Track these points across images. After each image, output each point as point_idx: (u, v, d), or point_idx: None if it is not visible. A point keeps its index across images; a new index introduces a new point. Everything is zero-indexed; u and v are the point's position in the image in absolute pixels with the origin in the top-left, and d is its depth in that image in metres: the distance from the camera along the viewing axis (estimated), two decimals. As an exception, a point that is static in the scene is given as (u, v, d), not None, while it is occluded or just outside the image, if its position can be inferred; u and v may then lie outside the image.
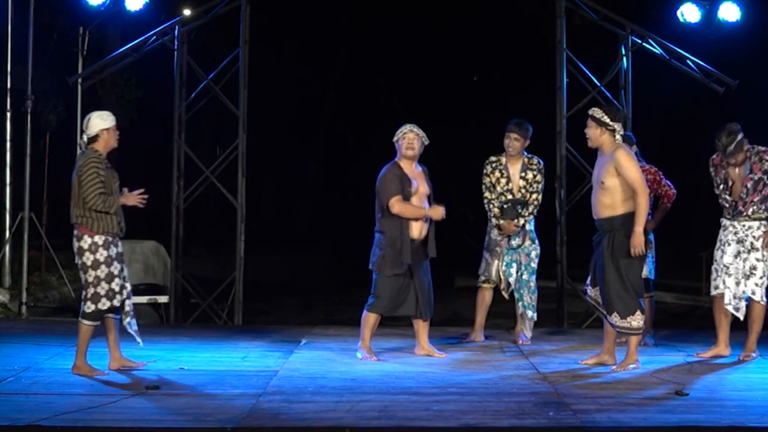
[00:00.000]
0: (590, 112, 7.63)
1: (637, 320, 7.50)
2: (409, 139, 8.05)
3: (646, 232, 7.54)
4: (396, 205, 7.89)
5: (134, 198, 7.21)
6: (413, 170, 8.08)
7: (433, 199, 8.13)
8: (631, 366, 7.55)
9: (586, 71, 10.70)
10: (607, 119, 7.50)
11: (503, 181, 8.80)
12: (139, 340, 7.44)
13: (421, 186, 8.06)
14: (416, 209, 7.91)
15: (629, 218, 7.42)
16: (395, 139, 8.12)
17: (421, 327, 8.22)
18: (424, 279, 8.10)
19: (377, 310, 8.11)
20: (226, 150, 10.86)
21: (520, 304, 8.87)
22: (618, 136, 7.54)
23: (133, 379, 7.03)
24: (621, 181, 7.43)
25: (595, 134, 7.55)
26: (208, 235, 20.63)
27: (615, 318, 7.54)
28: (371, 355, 8.04)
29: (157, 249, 11.15)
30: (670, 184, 8.83)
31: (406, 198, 7.94)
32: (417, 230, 7.98)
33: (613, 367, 7.59)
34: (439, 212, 7.92)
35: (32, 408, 6.06)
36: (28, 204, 10.90)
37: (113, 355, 7.37)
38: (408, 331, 9.52)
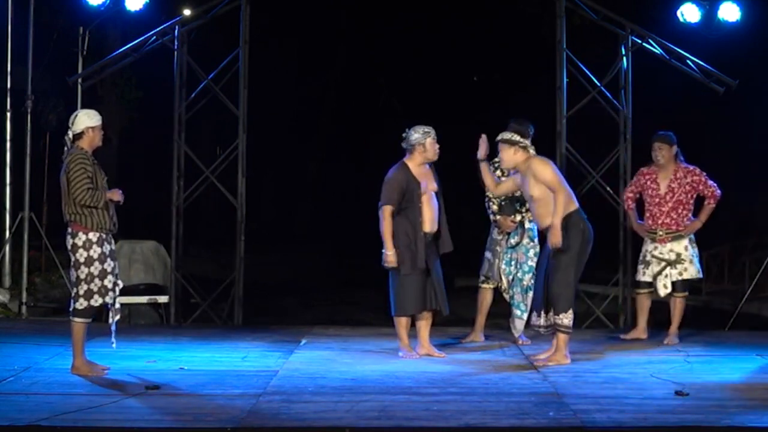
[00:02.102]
0: (498, 138, 7.90)
1: (568, 318, 7.73)
2: (436, 147, 8.17)
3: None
4: (384, 214, 8.03)
5: (118, 193, 7.18)
6: (421, 170, 8.17)
7: (441, 195, 8.25)
8: (566, 362, 7.76)
9: (586, 71, 10.69)
10: (516, 138, 7.84)
11: (504, 179, 8.82)
12: (113, 341, 7.40)
13: (429, 184, 8.17)
14: (387, 235, 8.00)
15: (568, 218, 7.69)
16: (416, 140, 8.15)
17: (423, 326, 8.24)
18: (438, 274, 8.17)
19: (405, 313, 8.16)
20: (226, 150, 10.86)
21: (512, 302, 8.88)
22: (531, 151, 7.84)
23: (133, 379, 7.03)
24: (544, 188, 7.71)
25: (509, 155, 7.86)
26: (208, 235, 20.61)
27: (551, 314, 7.79)
28: (411, 351, 8.16)
29: (157, 249, 11.14)
30: (714, 184, 8.91)
31: (415, 199, 8.02)
32: (429, 224, 8.10)
33: (542, 357, 7.85)
34: (389, 259, 8.00)
35: (32, 408, 6.06)
36: (28, 204, 10.91)
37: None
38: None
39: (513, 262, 8.83)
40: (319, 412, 6.10)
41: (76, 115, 7.26)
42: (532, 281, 8.84)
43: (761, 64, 14.62)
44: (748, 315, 11.37)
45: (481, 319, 9.05)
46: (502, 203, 8.79)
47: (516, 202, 8.75)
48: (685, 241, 8.92)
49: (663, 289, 8.96)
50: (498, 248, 8.88)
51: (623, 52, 10.63)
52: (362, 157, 25.58)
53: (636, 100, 10.64)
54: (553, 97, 10.74)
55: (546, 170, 7.71)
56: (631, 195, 9.19)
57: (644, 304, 9.09)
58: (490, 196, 8.89)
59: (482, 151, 8.10)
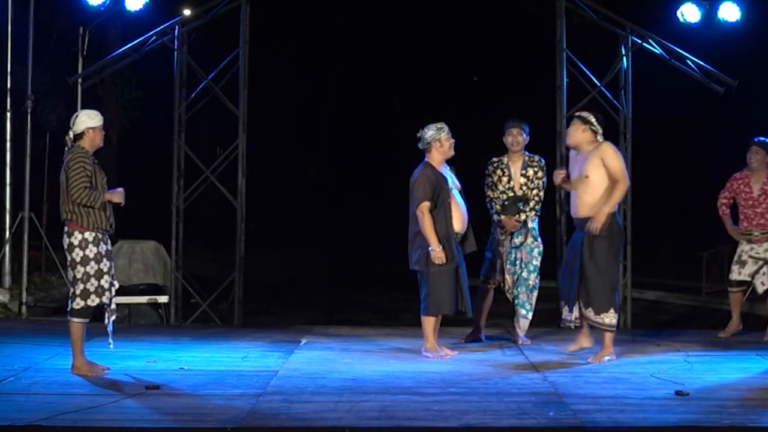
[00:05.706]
0: (579, 113, 8.01)
1: (609, 317, 7.83)
2: (451, 141, 8.18)
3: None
4: (422, 211, 7.98)
5: (119, 195, 7.18)
6: (443, 168, 8.22)
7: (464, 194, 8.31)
8: (606, 358, 7.89)
9: (586, 71, 10.69)
10: (591, 118, 7.90)
11: (504, 179, 8.84)
12: (111, 341, 7.39)
13: (453, 183, 8.21)
14: (430, 231, 7.96)
15: (610, 218, 7.76)
16: (431, 137, 8.14)
17: (436, 326, 8.28)
18: (464, 275, 8.20)
19: (439, 312, 8.14)
20: (226, 150, 10.86)
21: (516, 301, 8.88)
22: (599, 137, 7.88)
23: (133, 379, 7.03)
24: (604, 175, 7.74)
25: (577, 132, 7.91)
26: (208, 235, 20.64)
27: (590, 312, 7.85)
28: (438, 350, 8.14)
29: (157, 249, 11.15)
30: None
31: (444, 196, 8.03)
32: (459, 223, 8.12)
33: (589, 359, 7.89)
34: (438, 255, 7.95)
35: (32, 408, 6.06)
36: (28, 204, 10.92)
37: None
38: (408, 331, 9.54)
39: (517, 262, 8.84)
40: (319, 412, 6.10)
41: (77, 116, 7.28)
42: (537, 280, 8.87)
43: (761, 64, 14.64)
44: (748, 315, 11.36)
45: (481, 319, 9.05)
46: (505, 203, 8.79)
47: (519, 201, 8.75)
48: None
49: (761, 286, 9.36)
50: (501, 248, 8.88)
51: (623, 52, 10.63)
52: (362, 156, 25.62)
53: (636, 100, 10.64)
54: (553, 97, 10.75)
55: (617, 159, 7.81)
56: (725, 201, 9.46)
57: (737, 300, 9.50)
58: (491, 196, 8.90)
59: (558, 179, 8.20)
